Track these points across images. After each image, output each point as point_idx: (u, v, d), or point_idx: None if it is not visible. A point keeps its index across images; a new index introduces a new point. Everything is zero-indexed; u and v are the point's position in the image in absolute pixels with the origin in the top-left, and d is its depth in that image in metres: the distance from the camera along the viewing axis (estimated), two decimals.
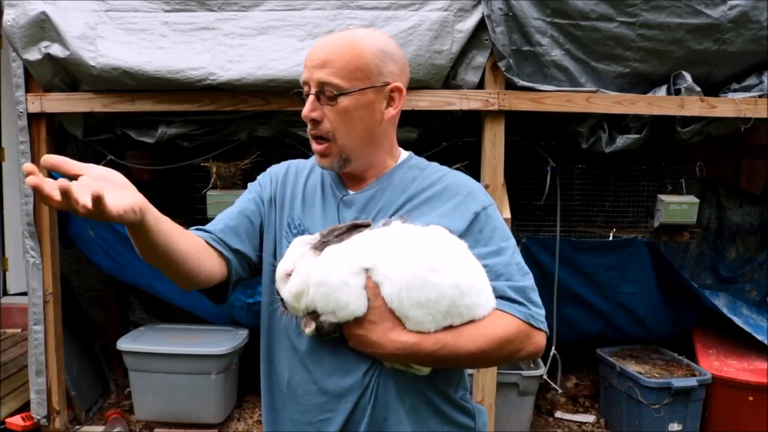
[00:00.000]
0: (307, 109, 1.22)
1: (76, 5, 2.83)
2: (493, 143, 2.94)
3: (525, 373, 3.25)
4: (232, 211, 1.32)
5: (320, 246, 1.14)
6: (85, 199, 0.86)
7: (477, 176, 2.93)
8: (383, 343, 1.12)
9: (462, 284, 1.10)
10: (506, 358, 1.20)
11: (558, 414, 3.62)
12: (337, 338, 1.17)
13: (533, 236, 3.60)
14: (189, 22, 2.85)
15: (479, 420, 1.32)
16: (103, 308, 4.08)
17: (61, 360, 3.20)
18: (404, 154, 1.36)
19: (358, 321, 1.13)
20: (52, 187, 0.85)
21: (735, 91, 3.05)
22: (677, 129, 3.10)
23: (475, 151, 3.09)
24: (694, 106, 2.97)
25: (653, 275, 3.60)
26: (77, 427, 3.37)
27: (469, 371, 2.76)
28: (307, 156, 1.41)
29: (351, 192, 1.30)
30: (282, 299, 1.16)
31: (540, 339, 1.20)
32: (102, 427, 3.35)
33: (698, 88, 2.95)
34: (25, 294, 3.31)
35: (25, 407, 3.28)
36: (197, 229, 1.26)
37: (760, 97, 2.99)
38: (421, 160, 1.36)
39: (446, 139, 3.30)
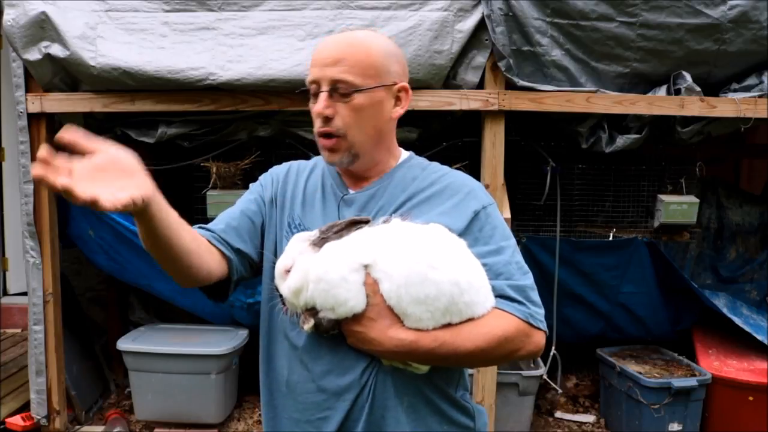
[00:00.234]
0: (322, 106, 1.22)
1: (76, 5, 2.83)
2: (493, 143, 2.94)
3: (525, 373, 3.25)
4: (234, 211, 1.32)
5: (319, 242, 1.14)
6: (83, 198, 0.88)
7: (477, 176, 2.93)
8: (382, 340, 1.12)
9: (461, 282, 1.10)
10: (505, 357, 1.20)
11: (558, 414, 3.62)
12: (335, 335, 1.17)
13: (533, 236, 3.60)
14: (189, 22, 2.85)
15: (479, 420, 1.31)
16: (103, 308, 4.09)
17: (61, 360, 3.20)
18: (405, 154, 1.37)
19: (357, 318, 1.13)
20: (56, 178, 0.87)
21: (735, 91, 3.04)
22: (677, 129, 3.10)
23: (475, 151, 3.09)
24: (694, 106, 2.97)
25: (653, 275, 3.60)
26: (77, 427, 3.37)
27: (469, 371, 2.76)
28: (307, 156, 1.42)
29: (352, 191, 1.31)
30: (281, 296, 1.16)
31: (539, 338, 1.20)
32: (102, 427, 3.35)
33: (698, 88, 2.95)
34: (25, 294, 3.31)
35: (25, 407, 3.28)
36: (199, 228, 1.26)
37: (760, 97, 2.98)
38: (422, 160, 1.37)
39: (446, 139, 3.30)
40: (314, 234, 1.16)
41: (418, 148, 2.53)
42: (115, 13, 2.85)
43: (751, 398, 3.15)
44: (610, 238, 3.53)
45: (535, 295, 1.21)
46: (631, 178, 3.71)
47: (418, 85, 2.84)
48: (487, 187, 2.90)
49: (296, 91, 1.48)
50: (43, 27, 2.79)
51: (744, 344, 3.44)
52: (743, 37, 2.91)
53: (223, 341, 3.34)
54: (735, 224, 4.04)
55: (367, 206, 1.27)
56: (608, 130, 3.11)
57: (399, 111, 1.29)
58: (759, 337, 3.34)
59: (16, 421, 3.18)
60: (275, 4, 2.86)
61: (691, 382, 3.16)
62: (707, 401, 3.24)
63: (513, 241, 1.26)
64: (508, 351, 1.17)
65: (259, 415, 3.52)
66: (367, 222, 1.16)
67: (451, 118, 3.12)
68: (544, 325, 1.21)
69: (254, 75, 2.79)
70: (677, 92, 2.98)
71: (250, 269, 1.31)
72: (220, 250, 1.23)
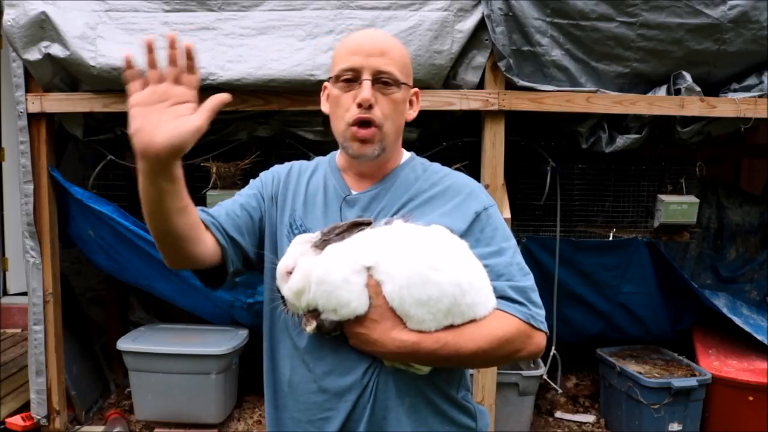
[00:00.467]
0: (369, 93, 1.21)
1: (76, 5, 2.83)
2: (493, 143, 2.94)
3: (525, 373, 3.25)
4: (234, 204, 1.31)
5: (321, 244, 1.14)
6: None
7: (477, 176, 2.93)
8: (384, 341, 1.12)
9: (463, 283, 1.11)
10: (506, 357, 1.20)
11: (558, 414, 3.62)
12: (337, 337, 1.17)
13: (533, 236, 3.60)
14: (189, 22, 2.85)
15: (481, 421, 1.31)
16: (103, 308, 4.08)
17: (61, 360, 3.20)
18: (406, 154, 1.37)
19: (359, 319, 1.13)
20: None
21: (735, 91, 3.05)
22: (677, 129, 3.11)
23: (475, 151, 3.09)
24: (694, 106, 2.97)
25: (653, 275, 3.60)
26: (77, 427, 3.37)
27: (470, 371, 2.76)
28: (307, 156, 1.42)
29: (354, 192, 1.31)
30: (283, 297, 1.16)
31: (540, 339, 1.20)
32: (102, 427, 3.35)
33: (698, 88, 2.96)
34: (25, 294, 3.31)
35: (25, 407, 3.28)
36: (201, 210, 1.25)
37: (760, 97, 2.99)
38: (423, 161, 1.37)
39: (446, 139, 3.30)
40: (316, 236, 1.16)
41: (418, 148, 2.52)
42: (115, 13, 2.85)
43: (751, 398, 3.15)
44: (610, 238, 3.54)
45: (536, 296, 1.22)
46: (631, 178, 3.71)
47: (418, 85, 2.82)
48: (487, 187, 2.90)
49: (316, 81, 1.49)
50: (43, 27, 2.79)
51: (744, 344, 3.45)
52: (743, 37, 2.92)
53: (223, 341, 3.34)
54: (735, 224, 4.05)
55: (369, 207, 1.27)
56: (608, 130, 3.11)
57: (412, 114, 1.34)
58: (759, 337, 3.34)
59: (16, 421, 3.18)
60: (275, 4, 2.86)
61: (691, 382, 3.17)
62: (707, 401, 3.25)
63: (514, 242, 1.27)
64: (509, 352, 1.17)
65: (259, 415, 3.52)
66: (369, 224, 1.16)
67: (451, 118, 3.11)
68: (544, 326, 1.21)
69: (254, 75, 2.79)
70: (677, 92, 2.98)
71: (245, 262, 1.31)
72: (216, 238, 1.22)
